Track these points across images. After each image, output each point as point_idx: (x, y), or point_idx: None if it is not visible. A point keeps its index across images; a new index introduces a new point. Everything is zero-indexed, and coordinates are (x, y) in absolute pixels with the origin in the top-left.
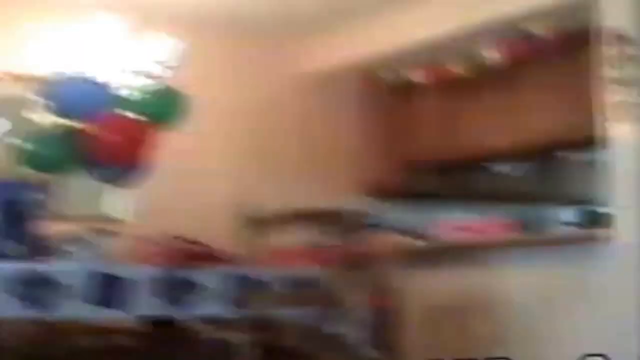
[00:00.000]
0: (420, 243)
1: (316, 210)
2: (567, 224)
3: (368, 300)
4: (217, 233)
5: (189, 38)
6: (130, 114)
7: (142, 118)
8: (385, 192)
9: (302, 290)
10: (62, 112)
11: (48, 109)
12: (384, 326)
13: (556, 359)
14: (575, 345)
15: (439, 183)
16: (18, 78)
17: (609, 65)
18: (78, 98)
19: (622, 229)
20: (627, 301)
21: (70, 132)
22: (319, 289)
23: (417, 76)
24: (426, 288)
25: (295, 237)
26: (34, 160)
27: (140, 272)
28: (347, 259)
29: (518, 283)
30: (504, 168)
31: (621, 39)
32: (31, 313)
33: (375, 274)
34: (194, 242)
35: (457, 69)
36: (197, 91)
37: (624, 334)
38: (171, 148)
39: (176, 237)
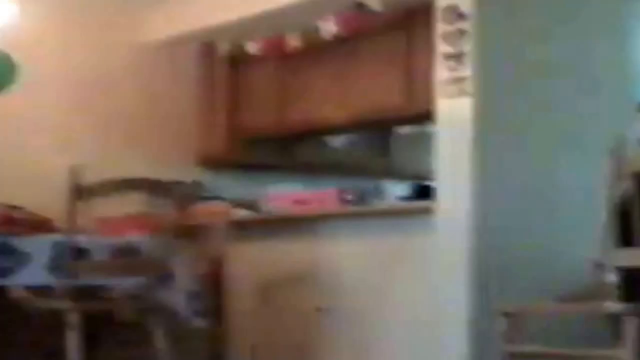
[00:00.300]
0: (253, 214)
1: (148, 180)
2: (400, 197)
3: (198, 270)
4: (47, 201)
5: (23, 3)
6: None
7: None
8: (220, 163)
9: (129, 258)
10: None
11: None
12: (213, 296)
13: (388, 326)
14: (407, 312)
15: (274, 155)
16: None
17: (443, 40)
18: None
19: (448, 201)
20: (454, 269)
21: None
22: (147, 257)
23: (255, 48)
24: (258, 259)
25: (127, 206)
26: None
27: None
28: (178, 229)
29: (350, 253)
30: (338, 141)
31: (455, 14)
32: None
33: (206, 244)
34: (15, 208)
35: (294, 41)
36: (29, 58)
37: (453, 300)
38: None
39: None
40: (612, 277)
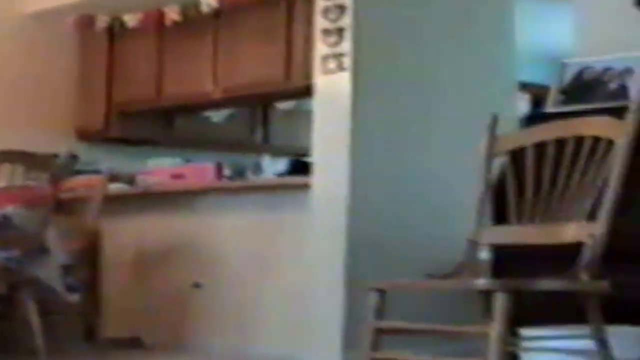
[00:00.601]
0: (130, 188)
1: (24, 152)
2: (278, 172)
3: (72, 244)
4: None
5: None
6: None
7: None
8: (97, 136)
9: (2, 231)
10: None
11: None
12: (88, 270)
13: (264, 301)
14: (284, 287)
15: (152, 129)
16: None
17: (322, 15)
18: None
19: (324, 177)
20: (329, 245)
21: None
22: (20, 230)
23: (133, 21)
24: (135, 233)
25: (1, 179)
26: None
27: None
28: (53, 202)
29: (228, 228)
30: (217, 115)
31: None
32: None
33: (82, 217)
34: None
35: (173, 14)
36: None
37: (327, 275)
38: None
39: None
40: (485, 255)
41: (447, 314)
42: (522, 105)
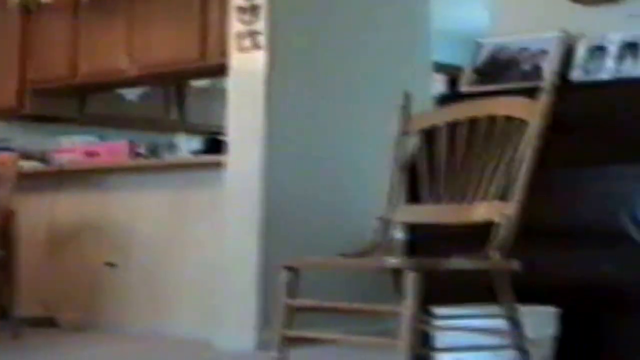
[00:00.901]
0: (43, 166)
1: None
2: (193, 150)
3: None
4: None
5: None
6: None
7: None
8: (10, 114)
9: None
10: None
11: None
12: (1, 247)
13: (179, 279)
14: (199, 265)
15: (66, 106)
16: None
17: None
18: None
19: (239, 156)
20: (244, 223)
21: None
22: None
23: None
24: (49, 211)
25: None
26: None
27: None
28: None
29: (142, 207)
30: (132, 93)
31: None
32: None
33: None
34: None
35: None
36: None
37: (242, 253)
38: None
39: None
40: (398, 234)
41: (360, 295)
42: (438, 86)
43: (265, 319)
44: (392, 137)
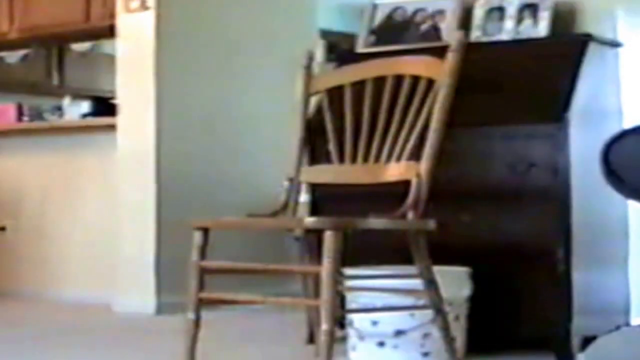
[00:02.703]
0: None
1: None
2: (82, 114)
3: None
4: None
5: None
6: None
7: None
8: None
9: None
10: None
11: None
12: None
13: (71, 242)
14: (92, 228)
15: None
16: None
17: None
18: None
19: (130, 118)
20: (139, 185)
21: None
22: None
23: None
24: None
25: None
26: None
27: None
28: None
29: (32, 171)
30: (13, 56)
31: None
32: None
33: None
34: None
35: None
36: None
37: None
38: None
39: None
40: (304, 195)
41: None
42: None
43: (166, 284)
44: (297, 97)
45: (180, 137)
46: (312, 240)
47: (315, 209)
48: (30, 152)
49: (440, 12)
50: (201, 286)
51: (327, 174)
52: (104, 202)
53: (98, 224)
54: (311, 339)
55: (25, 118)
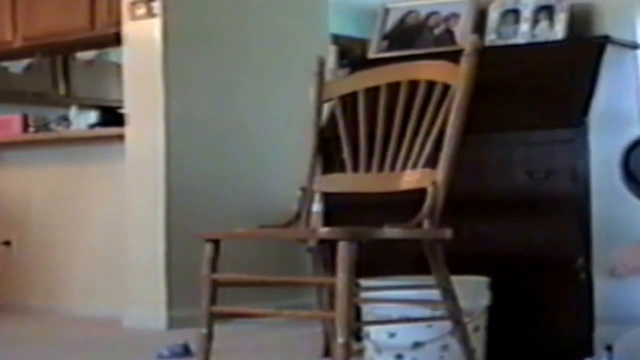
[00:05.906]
0: None
1: None
2: (90, 124)
3: None
4: None
5: None
6: None
7: None
8: None
9: None
10: None
11: None
12: None
13: (79, 255)
14: (100, 240)
15: None
16: None
17: None
18: None
19: (139, 128)
20: (148, 195)
21: None
22: None
23: None
24: None
25: None
26: None
27: None
28: None
29: (38, 182)
30: (18, 66)
31: None
32: None
33: None
34: None
35: None
36: None
37: (148, 225)
38: None
39: None
40: (317, 204)
41: (275, 271)
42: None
43: (175, 297)
44: (309, 104)
45: (189, 146)
46: (326, 251)
47: (328, 218)
48: (36, 163)
49: (454, 16)
50: (213, 300)
51: (341, 182)
52: (112, 215)
53: (106, 237)
54: (327, 352)
55: (31, 129)
